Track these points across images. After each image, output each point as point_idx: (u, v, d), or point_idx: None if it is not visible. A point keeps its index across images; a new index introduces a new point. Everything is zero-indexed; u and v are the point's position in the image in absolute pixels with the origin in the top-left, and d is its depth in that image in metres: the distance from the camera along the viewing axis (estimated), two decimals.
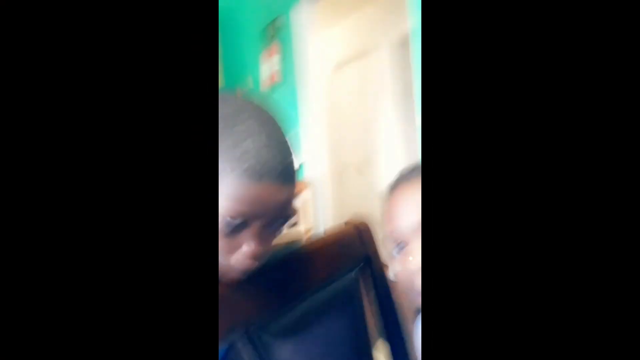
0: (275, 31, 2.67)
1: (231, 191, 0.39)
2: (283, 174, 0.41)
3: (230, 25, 2.89)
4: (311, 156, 2.51)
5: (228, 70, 2.92)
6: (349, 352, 0.53)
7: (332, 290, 0.54)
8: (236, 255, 0.42)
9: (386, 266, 0.53)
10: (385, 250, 0.47)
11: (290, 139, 0.45)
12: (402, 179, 0.47)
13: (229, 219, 0.39)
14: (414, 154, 2.65)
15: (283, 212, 0.43)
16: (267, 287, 0.47)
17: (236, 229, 0.40)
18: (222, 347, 0.43)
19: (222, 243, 0.41)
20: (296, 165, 0.44)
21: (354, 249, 0.59)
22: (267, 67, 2.80)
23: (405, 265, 0.43)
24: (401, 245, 0.44)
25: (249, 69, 2.88)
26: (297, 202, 0.54)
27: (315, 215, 2.46)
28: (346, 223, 0.62)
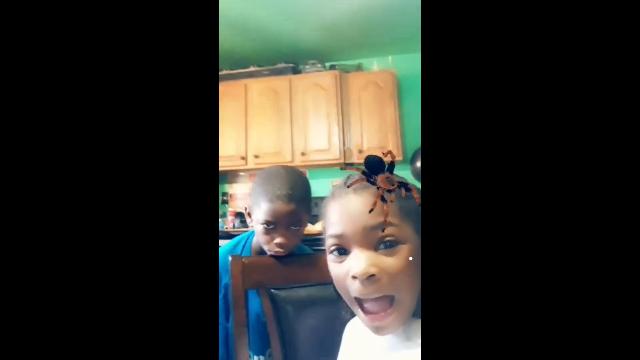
0: None
1: (264, 208, 0.77)
2: (287, 198, 0.76)
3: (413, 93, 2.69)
4: None
5: (410, 140, 2.72)
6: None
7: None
8: (271, 245, 0.78)
9: None
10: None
11: (308, 188, 0.80)
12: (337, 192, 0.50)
13: (263, 224, 0.78)
14: None
15: (294, 221, 0.78)
16: (288, 268, 0.79)
17: (269, 230, 0.78)
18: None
19: (262, 238, 0.80)
20: (302, 196, 0.78)
21: None
22: None
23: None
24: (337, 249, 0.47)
25: None
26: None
27: None
28: None
